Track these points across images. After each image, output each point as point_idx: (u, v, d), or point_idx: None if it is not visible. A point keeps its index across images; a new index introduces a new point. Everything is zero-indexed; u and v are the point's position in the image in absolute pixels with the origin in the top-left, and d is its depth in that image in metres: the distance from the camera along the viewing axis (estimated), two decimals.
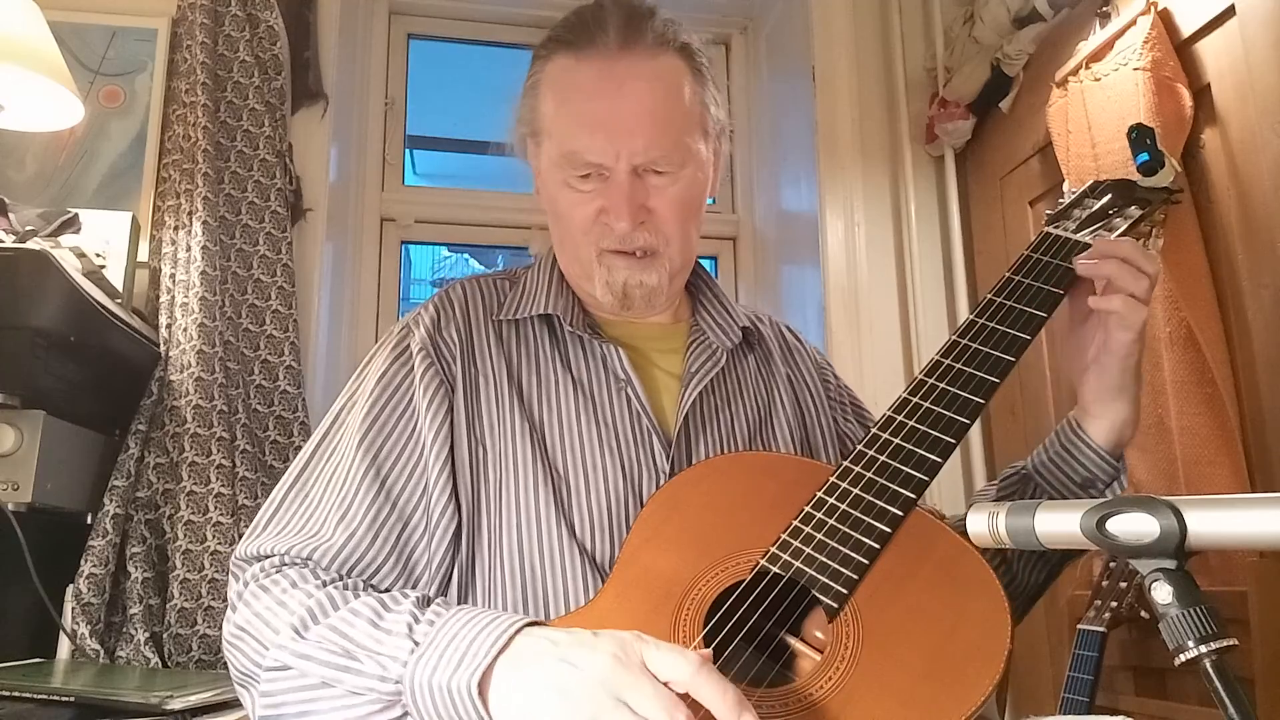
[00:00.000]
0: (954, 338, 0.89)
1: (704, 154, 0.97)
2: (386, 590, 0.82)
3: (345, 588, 0.78)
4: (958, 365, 0.86)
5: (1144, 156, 1.01)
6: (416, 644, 0.70)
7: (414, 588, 0.85)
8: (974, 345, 0.87)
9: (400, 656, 0.70)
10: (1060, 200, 1.04)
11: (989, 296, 0.91)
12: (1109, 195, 1.00)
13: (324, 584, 0.78)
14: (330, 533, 0.84)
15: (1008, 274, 0.93)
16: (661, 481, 0.90)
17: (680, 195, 0.94)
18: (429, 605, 0.75)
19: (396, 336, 0.96)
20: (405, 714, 0.70)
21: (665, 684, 0.62)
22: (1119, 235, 0.96)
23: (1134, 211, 0.98)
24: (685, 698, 0.61)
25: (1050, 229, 0.98)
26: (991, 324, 0.88)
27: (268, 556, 0.83)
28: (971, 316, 0.90)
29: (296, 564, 0.82)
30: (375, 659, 0.71)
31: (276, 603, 0.77)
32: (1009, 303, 0.90)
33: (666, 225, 0.94)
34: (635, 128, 0.90)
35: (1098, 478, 0.94)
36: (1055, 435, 0.98)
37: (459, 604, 0.84)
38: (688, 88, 0.95)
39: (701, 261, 1.09)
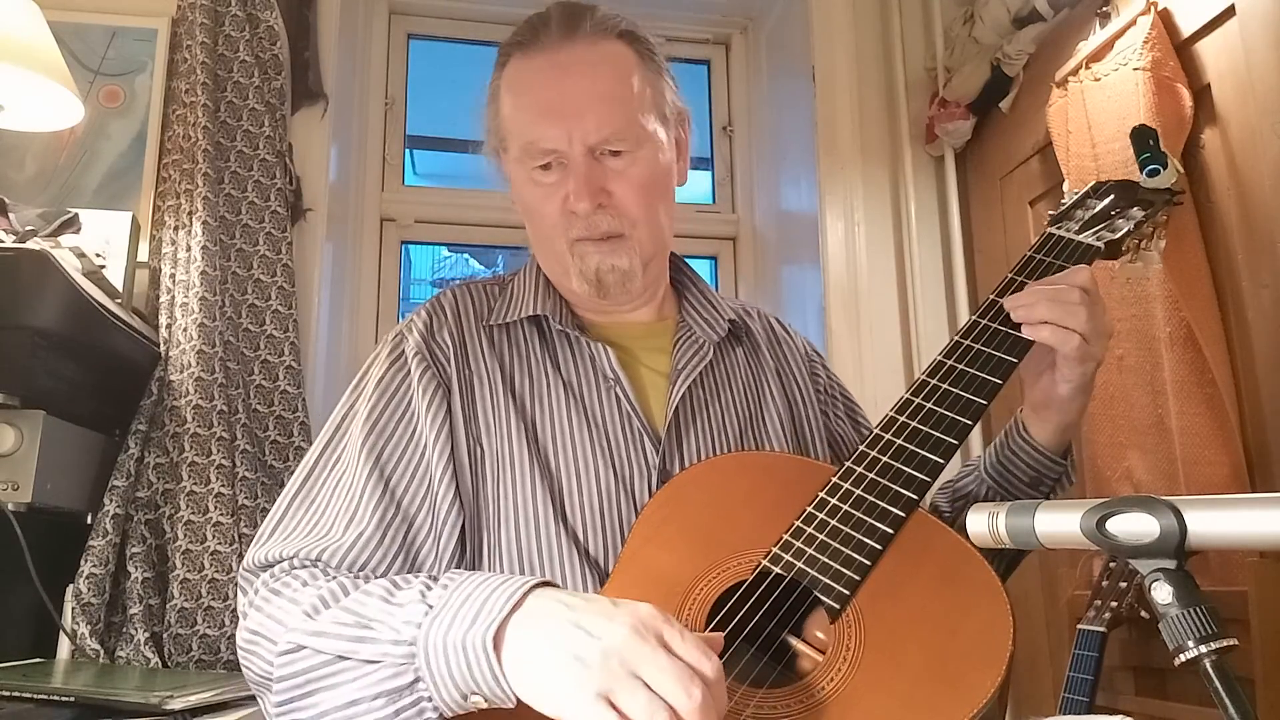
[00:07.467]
0: (956, 339, 0.89)
1: (662, 136, 0.98)
2: None
3: (356, 577, 0.79)
4: (960, 366, 0.86)
5: (1145, 157, 1.01)
6: (430, 607, 0.70)
7: None
8: (976, 346, 0.87)
9: (414, 619, 0.70)
10: (1063, 201, 1.04)
11: (991, 298, 0.91)
12: (1111, 196, 1.01)
13: (333, 578, 0.79)
14: (340, 534, 0.84)
15: (1010, 274, 0.93)
16: (652, 480, 0.91)
17: (640, 176, 0.95)
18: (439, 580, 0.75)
19: (390, 344, 0.98)
20: (417, 679, 0.68)
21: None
22: (1121, 236, 0.96)
23: (1136, 213, 0.99)
24: None
25: (1053, 229, 0.98)
26: (994, 325, 0.89)
27: (276, 562, 0.84)
28: (974, 318, 0.90)
29: (306, 565, 0.82)
30: (389, 626, 0.71)
31: (289, 601, 0.78)
32: None
33: (629, 207, 0.95)
34: (583, 108, 0.92)
35: (1044, 476, 0.97)
36: (1004, 437, 0.99)
37: None
38: (635, 70, 0.96)
39: (701, 261, 1.10)
